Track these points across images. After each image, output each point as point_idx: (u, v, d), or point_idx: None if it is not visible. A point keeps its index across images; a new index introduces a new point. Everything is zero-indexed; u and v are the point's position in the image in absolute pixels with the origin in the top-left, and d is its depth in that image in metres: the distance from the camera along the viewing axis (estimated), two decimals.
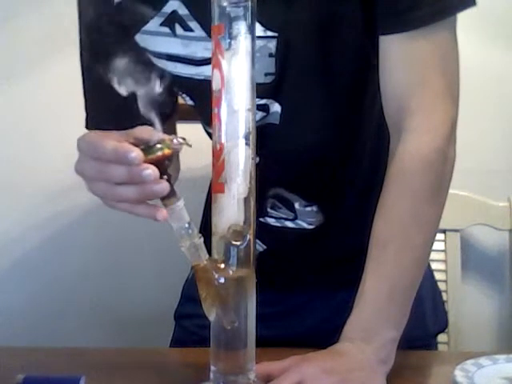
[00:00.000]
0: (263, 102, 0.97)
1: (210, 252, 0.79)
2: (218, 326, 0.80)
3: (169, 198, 0.76)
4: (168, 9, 0.95)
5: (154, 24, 0.96)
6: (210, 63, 0.79)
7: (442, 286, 1.37)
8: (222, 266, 0.79)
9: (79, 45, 1.04)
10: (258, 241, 1.02)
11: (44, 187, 1.72)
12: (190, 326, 1.18)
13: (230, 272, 0.79)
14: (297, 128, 1.00)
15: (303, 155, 1.02)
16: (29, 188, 1.72)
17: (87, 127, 1.07)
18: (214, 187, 0.79)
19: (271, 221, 1.08)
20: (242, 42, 0.77)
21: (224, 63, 0.76)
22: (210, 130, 1.03)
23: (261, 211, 1.04)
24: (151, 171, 0.73)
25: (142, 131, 0.76)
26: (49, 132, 1.69)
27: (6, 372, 0.91)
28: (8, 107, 1.70)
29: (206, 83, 0.80)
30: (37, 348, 1.10)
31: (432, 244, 0.95)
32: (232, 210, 0.78)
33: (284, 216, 1.07)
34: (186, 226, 0.77)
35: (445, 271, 1.56)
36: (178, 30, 0.95)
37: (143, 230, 1.58)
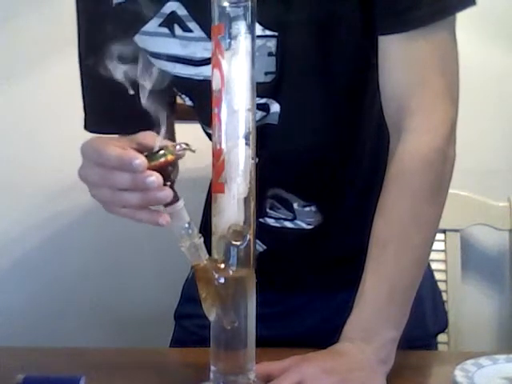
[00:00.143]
0: (263, 101, 0.97)
1: (209, 252, 0.79)
2: (218, 326, 0.80)
3: (171, 202, 0.76)
4: (167, 9, 0.95)
5: (152, 25, 0.96)
6: (209, 63, 0.79)
7: (442, 286, 1.37)
8: (222, 265, 0.79)
9: (78, 45, 1.04)
10: (257, 241, 1.02)
11: (44, 187, 1.72)
12: (190, 326, 1.18)
13: (230, 272, 0.79)
14: (296, 128, 1.00)
15: (302, 155, 1.02)
16: (29, 188, 1.72)
17: (86, 128, 1.08)
18: (214, 187, 0.79)
19: (270, 221, 1.08)
20: (242, 42, 0.77)
21: (224, 63, 0.76)
22: (209, 131, 1.04)
23: (260, 212, 1.04)
24: (155, 178, 0.73)
25: (145, 137, 0.76)
26: (49, 132, 1.70)
27: (5, 372, 0.91)
28: (8, 107, 1.70)
29: (206, 83, 0.80)
30: (37, 348, 1.10)
31: (432, 244, 0.95)
32: (232, 209, 0.78)
33: (283, 216, 1.07)
34: (186, 225, 0.77)
35: (445, 271, 1.56)
36: (177, 30, 0.95)
37: (143, 230, 1.57)
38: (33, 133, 1.70)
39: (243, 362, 0.81)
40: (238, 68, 0.77)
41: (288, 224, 1.08)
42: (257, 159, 0.80)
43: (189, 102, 1.05)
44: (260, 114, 0.98)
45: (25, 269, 1.75)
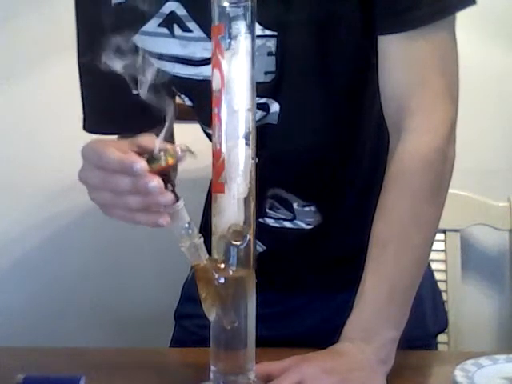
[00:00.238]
0: (263, 100, 0.97)
1: (209, 252, 0.79)
2: (218, 326, 0.80)
3: (172, 205, 0.76)
4: (166, 9, 0.95)
5: (152, 25, 0.96)
6: (209, 63, 0.79)
7: (442, 286, 1.37)
8: (222, 265, 0.79)
9: (77, 46, 1.04)
10: (257, 241, 1.02)
11: (44, 187, 1.72)
12: (190, 325, 1.18)
13: (230, 272, 0.79)
14: (296, 128, 1.00)
15: (302, 155, 1.02)
16: (29, 188, 1.72)
17: (84, 128, 1.08)
18: (214, 187, 0.79)
19: (270, 221, 1.08)
20: (242, 42, 0.77)
21: (224, 63, 0.76)
22: (209, 131, 1.04)
23: (260, 212, 1.04)
24: (157, 183, 0.73)
25: (145, 140, 0.76)
26: (49, 132, 1.70)
27: (6, 372, 0.91)
28: (8, 107, 1.70)
29: (206, 83, 0.80)
30: (37, 348, 1.10)
31: (432, 244, 0.95)
32: (232, 209, 0.78)
33: (282, 216, 1.07)
34: (186, 225, 0.77)
35: (445, 271, 1.56)
36: (177, 30, 0.95)
37: (143, 230, 1.56)
38: (33, 133, 1.70)
39: (243, 362, 0.81)
40: (237, 68, 0.77)
41: (287, 224, 1.08)
42: (257, 159, 0.80)
43: (188, 102, 1.05)
44: (260, 113, 0.98)
45: (25, 269, 1.75)
